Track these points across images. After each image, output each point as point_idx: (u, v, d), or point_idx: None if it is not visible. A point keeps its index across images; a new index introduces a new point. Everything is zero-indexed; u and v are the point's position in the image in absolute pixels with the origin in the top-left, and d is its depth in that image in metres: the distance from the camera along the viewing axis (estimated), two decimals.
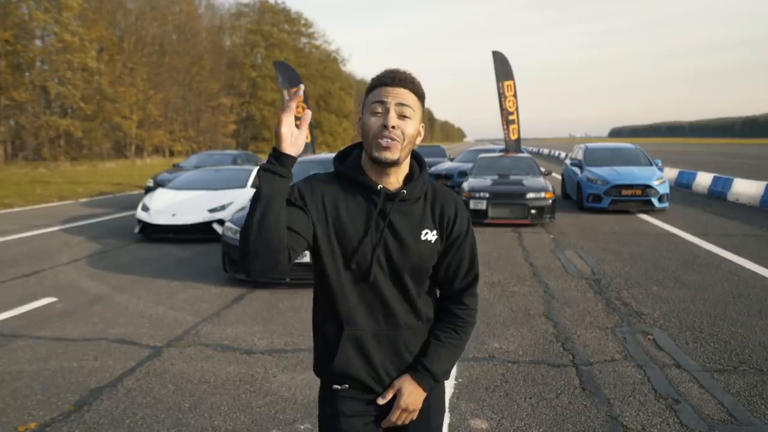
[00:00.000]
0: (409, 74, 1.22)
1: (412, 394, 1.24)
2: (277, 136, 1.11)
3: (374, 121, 1.19)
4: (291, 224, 1.16)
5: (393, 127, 1.17)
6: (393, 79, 1.20)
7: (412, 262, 1.24)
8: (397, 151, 1.18)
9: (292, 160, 1.13)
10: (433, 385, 1.27)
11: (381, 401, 1.25)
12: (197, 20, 38.92)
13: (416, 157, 1.30)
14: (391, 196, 1.23)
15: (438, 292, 1.36)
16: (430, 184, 1.29)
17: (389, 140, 1.17)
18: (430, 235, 1.25)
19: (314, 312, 1.33)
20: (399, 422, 1.27)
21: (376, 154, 1.18)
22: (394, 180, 1.24)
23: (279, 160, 1.12)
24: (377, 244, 1.21)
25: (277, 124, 1.11)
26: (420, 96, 1.22)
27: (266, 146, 42.77)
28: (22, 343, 3.75)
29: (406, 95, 1.19)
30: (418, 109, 1.22)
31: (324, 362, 1.29)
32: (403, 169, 1.25)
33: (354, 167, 1.25)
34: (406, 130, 1.19)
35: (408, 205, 1.24)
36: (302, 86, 1.23)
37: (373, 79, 1.24)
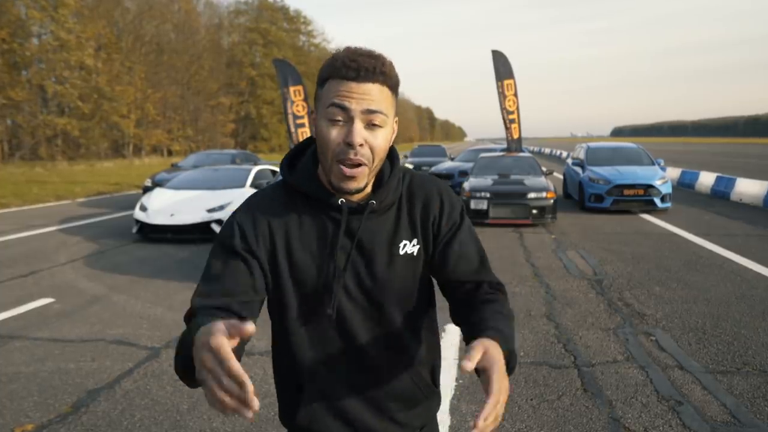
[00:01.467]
0: (379, 58, 0.89)
1: (496, 354, 0.80)
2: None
3: (334, 135, 0.88)
4: (239, 294, 0.90)
5: (360, 145, 0.88)
6: (358, 71, 0.86)
7: (388, 285, 0.97)
8: (364, 177, 0.91)
9: None
10: (506, 352, 0.84)
11: (469, 365, 0.75)
12: (196, 19, 38.87)
13: (387, 152, 0.98)
14: (356, 209, 0.94)
15: (450, 308, 1.06)
16: (406, 180, 1.00)
17: (353, 167, 0.89)
18: (410, 247, 0.97)
19: (273, 356, 1.06)
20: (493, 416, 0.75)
21: (336, 182, 0.91)
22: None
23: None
24: (349, 277, 0.95)
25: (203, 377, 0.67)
26: (393, 87, 0.91)
27: (265, 146, 42.76)
28: (19, 344, 3.73)
29: (376, 94, 0.88)
30: (392, 108, 0.91)
31: (286, 413, 1.04)
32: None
33: (307, 176, 0.96)
34: (375, 145, 0.89)
35: (378, 215, 0.96)
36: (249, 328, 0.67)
37: (329, 65, 0.90)
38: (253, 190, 7.75)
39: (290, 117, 11.53)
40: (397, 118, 0.96)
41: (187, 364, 0.75)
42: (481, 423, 0.72)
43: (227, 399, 0.63)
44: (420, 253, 0.99)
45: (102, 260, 6.30)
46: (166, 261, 6.24)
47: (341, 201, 0.94)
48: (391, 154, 0.99)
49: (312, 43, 51.98)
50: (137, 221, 7.45)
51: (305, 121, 11.47)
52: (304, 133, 11.44)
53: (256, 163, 11.37)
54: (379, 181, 0.97)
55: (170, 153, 34.23)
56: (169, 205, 7.51)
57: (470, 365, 0.75)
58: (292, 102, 11.46)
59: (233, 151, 14.90)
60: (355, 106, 0.87)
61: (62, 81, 25.25)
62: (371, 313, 0.97)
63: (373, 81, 0.88)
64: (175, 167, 12.33)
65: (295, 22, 48.74)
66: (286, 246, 0.95)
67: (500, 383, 0.76)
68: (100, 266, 6.00)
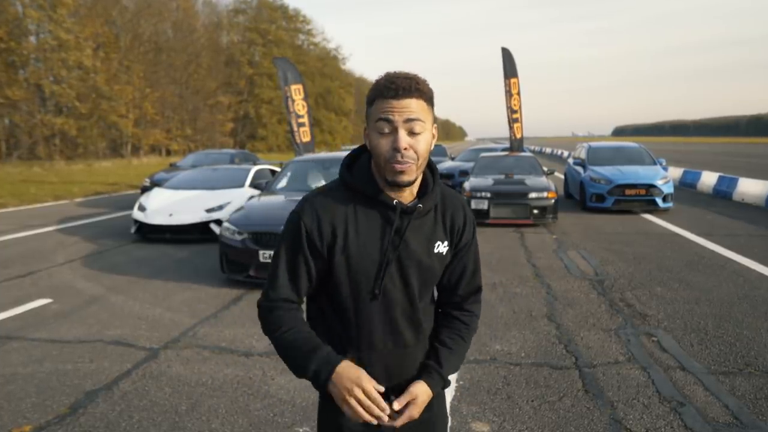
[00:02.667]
0: (414, 78, 1.11)
1: (423, 398, 1.20)
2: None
3: (384, 144, 1.10)
4: (303, 291, 1.19)
5: (405, 149, 1.09)
6: (396, 90, 1.08)
7: (422, 276, 1.19)
8: (414, 172, 1.12)
9: None
10: (441, 388, 1.24)
11: (397, 406, 1.16)
12: (194, 17, 38.78)
13: (428, 165, 1.22)
14: (406, 211, 1.16)
15: (437, 297, 1.32)
16: (440, 191, 1.23)
17: (403, 164, 1.10)
18: (442, 247, 1.20)
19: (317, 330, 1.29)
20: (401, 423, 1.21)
21: (391, 178, 1.12)
22: (409, 193, 1.17)
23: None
24: (393, 265, 1.16)
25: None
26: (429, 100, 1.13)
27: (263, 145, 42.70)
28: (17, 345, 3.71)
29: (414, 107, 1.09)
30: (429, 116, 1.13)
31: None
32: (418, 180, 1.18)
33: (366, 180, 1.17)
34: (419, 148, 1.11)
35: (420, 217, 1.18)
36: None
37: (374, 89, 1.13)
38: (252, 190, 7.73)
39: (292, 116, 11.48)
40: (435, 125, 1.18)
41: (301, 368, 1.16)
42: (396, 406, 1.15)
43: (368, 416, 1.11)
44: (448, 254, 1.22)
45: (100, 260, 6.28)
46: (165, 261, 6.22)
47: (396, 201, 1.15)
48: (432, 168, 1.22)
49: (311, 42, 51.95)
50: (136, 221, 7.42)
51: (306, 120, 11.43)
52: (305, 132, 11.39)
53: (255, 163, 11.32)
54: (424, 188, 1.19)
55: (169, 152, 34.15)
56: (167, 205, 7.48)
57: (398, 406, 1.15)
58: (293, 100, 11.40)
59: (232, 151, 14.86)
60: (397, 118, 1.09)
61: (60, 80, 25.16)
62: (406, 297, 1.19)
63: (410, 96, 1.09)
64: (173, 167, 12.29)
65: (294, 21, 48.68)
66: (344, 238, 1.15)
67: (403, 419, 1.17)
68: (99, 266, 5.98)
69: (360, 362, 1.18)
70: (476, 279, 1.28)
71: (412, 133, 1.10)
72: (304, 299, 1.22)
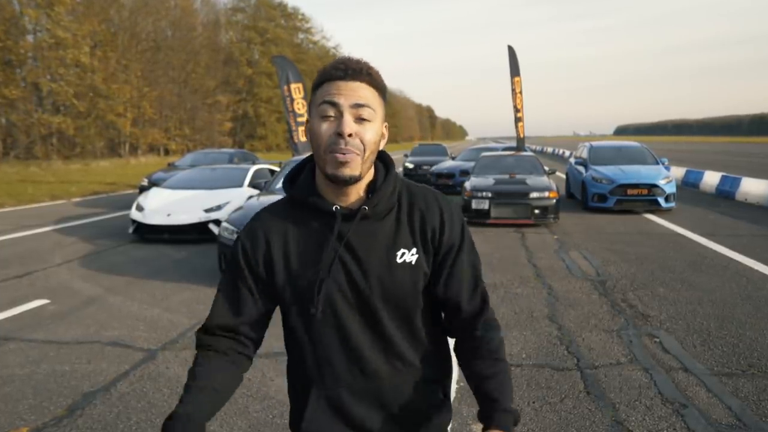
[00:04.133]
0: (365, 63, 0.98)
1: None
2: None
3: (325, 129, 0.94)
4: (246, 321, 1.03)
5: (350, 135, 0.93)
6: (345, 71, 0.95)
7: (385, 293, 0.99)
8: (358, 166, 0.95)
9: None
10: (513, 424, 0.98)
11: None
12: (192, 16, 38.68)
13: (381, 158, 1.04)
14: (349, 216, 0.98)
15: (444, 320, 1.10)
16: (404, 188, 1.04)
17: (346, 153, 0.93)
18: (409, 255, 0.99)
19: (287, 356, 1.13)
20: None
21: (331, 171, 0.95)
22: (355, 194, 1.00)
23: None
24: (341, 280, 0.99)
25: None
26: (380, 89, 0.98)
27: (262, 145, 42.65)
28: (14, 346, 3.68)
29: (363, 91, 0.95)
30: (379, 107, 0.98)
31: (295, 419, 1.09)
32: (366, 179, 1.00)
33: (305, 187, 1.02)
34: (366, 137, 0.94)
35: (376, 221, 0.99)
36: None
37: (320, 72, 0.99)
38: (251, 190, 7.70)
39: (291, 115, 11.44)
40: (386, 124, 1.02)
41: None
42: None
43: None
44: (420, 263, 1.00)
45: (98, 261, 6.24)
46: (163, 262, 6.19)
47: (335, 207, 0.99)
48: (386, 161, 1.05)
49: (310, 41, 51.93)
50: (134, 221, 7.38)
51: (305, 119, 11.37)
52: (305, 131, 11.36)
53: (254, 163, 11.29)
54: (373, 187, 1.01)
55: (167, 152, 34.07)
56: (165, 205, 7.45)
57: None
58: (293, 99, 11.37)
59: (231, 150, 14.81)
60: (343, 101, 0.94)
61: (57, 79, 25.07)
62: (367, 319, 1.00)
63: (360, 80, 0.95)
64: (172, 166, 12.24)
65: (292, 19, 48.64)
66: (283, 255, 1.02)
67: None
68: (96, 267, 5.95)
69: (339, 401, 1.03)
70: (478, 292, 1.05)
71: (359, 119, 0.94)
72: (256, 323, 1.05)
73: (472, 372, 1.03)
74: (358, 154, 0.94)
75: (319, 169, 0.99)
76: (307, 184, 1.03)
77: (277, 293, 1.03)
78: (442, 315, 1.09)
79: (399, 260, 0.99)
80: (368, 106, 0.95)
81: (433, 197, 1.04)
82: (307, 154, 1.11)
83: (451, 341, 1.11)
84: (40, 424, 2.66)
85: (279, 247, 1.01)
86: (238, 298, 1.03)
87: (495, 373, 1.01)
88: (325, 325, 1.00)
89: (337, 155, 0.93)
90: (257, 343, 1.08)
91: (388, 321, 1.00)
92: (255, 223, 1.06)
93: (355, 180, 0.97)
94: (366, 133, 0.95)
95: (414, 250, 1.00)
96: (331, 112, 0.94)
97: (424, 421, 1.06)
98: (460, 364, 1.07)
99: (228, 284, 1.05)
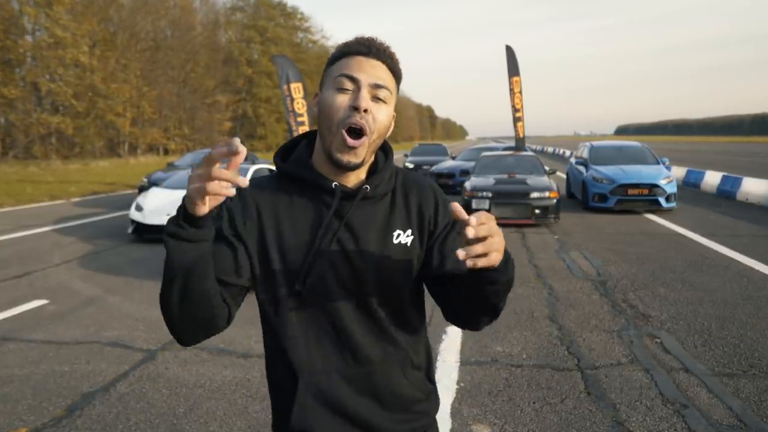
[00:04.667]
0: (388, 46, 0.95)
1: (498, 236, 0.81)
2: (189, 195, 0.80)
3: (340, 101, 0.90)
4: (221, 274, 0.90)
5: (365, 111, 0.89)
6: (369, 48, 0.92)
7: (380, 274, 0.96)
8: (363, 151, 0.92)
9: (206, 218, 0.83)
10: (507, 261, 0.85)
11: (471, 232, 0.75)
12: (192, 15, 38.62)
13: (382, 146, 1.02)
14: (349, 195, 0.95)
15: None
16: (400, 174, 1.03)
17: (358, 138, 0.90)
18: (404, 237, 0.97)
19: (265, 356, 1.04)
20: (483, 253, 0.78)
21: (336, 152, 0.91)
22: (354, 176, 0.97)
23: (190, 222, 0.83)
24: (331, 257, 0.94)
25: (192, 179, 0.78)
26: (398, 76, 0.96)
27: (262, 144, 42.61)
28: (13, 347, 3.67)
29: (383, 73, 0.92)
30: (394, 93, 0.95)
31: (280, 420, 1.01)
32: (367, 163, 0.98)
33: (301, 164, 0.97)
34: (379, 118, 0.92)
35: (372, 203, 0.97)
36: (236, 140, 0.76)
37: (341, 45, 0.95)
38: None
39: (291, 115, 11.42)
40: (394, 114, 0.99)
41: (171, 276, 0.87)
42: (473, 220, 0.75)
43: (219, 180, 0.75)
44: (414, 245, 0.98)
45: (97, 261, 6.23)
46: (162, 262, 6.16)
47: (335, 184, 0.95)
48: (386, 147, 1.03)
49: (310, 40, 51.86)
50: (133, 221, 7.37)
51: (305, 119, 11.38)
52: (305, 131, 11.34)
53: (253, 162, 11.27)
54: (373, 170, 0.99)
55: (166, 152, 34.03)
56: (165, 205, 7.43)
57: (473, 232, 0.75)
58: (293, 99, 11.35)
59: None
60: (364, 78, 0.91)
61: (56, 79, 25.03)
62: (359, 299, 0.96)
63: (383, 60, 0.93)
64: (171, 166, 12.22)
65: (292, 18, 48.57)
66: (276, 228, 0.95)
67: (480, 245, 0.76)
68: (95, 267, 5.93)
69: (329, 389, 0.96)
70: None
71: (376, 98, 0.92)
72: (235, 290, 0.94)
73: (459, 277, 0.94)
74: (367, 135, 0.91)
75: (323, 147, 0.94)
76: (304, 161, 0.98)
77: (265, 268, 0.95)
78: (439, 297, 1.02)
79: (395, 241, 0.97)
80: (386, 88, 0.92)
81: (428, 184, 1.04)
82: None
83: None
84: (39, 424, 2.65)
85: (271, 218, 0.95)
86: (216, 259, 0.90)
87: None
88: (315, 304, 0.95)
89: (348, 139, 0.90)
90: (230, 315, 0.95)
91: (380, 302, 0.97)
92: (246, 191, 0.97)
93: (357, 167, 0.94)
94: (379, 113, 0.92)
95: (409, 232, 0.98)
96: (349, 86, 0.91)
97: (414, 407, 1.02)
98: (452, 302, 0.98)
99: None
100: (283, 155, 1.02)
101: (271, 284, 0.96)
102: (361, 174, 0.98)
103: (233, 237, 0.94)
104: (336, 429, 0.96)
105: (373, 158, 1.00)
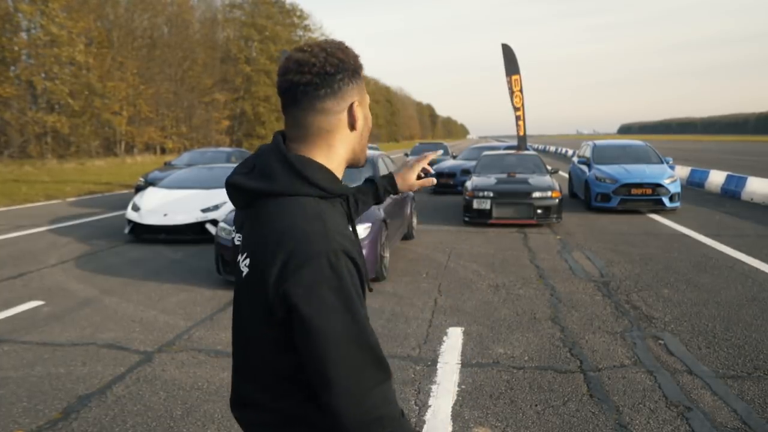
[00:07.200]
0: None
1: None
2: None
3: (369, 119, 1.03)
4: None
5: None
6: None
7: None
8: None
9: None
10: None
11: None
12: (189, 12, 38.47)
13: None
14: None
15: None
16: None
17: None
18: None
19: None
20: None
21: (362, 156, 1.03)
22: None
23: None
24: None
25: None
26: None
27: (260, 143, 42.39)
28: (8, 348, 3.64)
29: None
30: None
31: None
32: None
33: (336, 179, 0.96)
34: None
35: None
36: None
37: (359, 61, 0.97)
38: None
39: None
40: None
41: None
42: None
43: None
44: None
45: (93, 262, 6.18)
46: (160, 262, 6.13)
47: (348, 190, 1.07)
48: None
49: (310, 38, 51.76)
50: (129, 221, 7.32)
51: None
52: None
53: None
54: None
55: (163, 151, 33.89)
56: (162, 205, 7.38)
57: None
58: None
59: (228, 149, 14.72)
60: None
61: (52, 77, 24.88)
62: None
63: None
64: (168, 166, 12.15)
65: (291, 15, 48.44)
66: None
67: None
68: (91, 268, 5.88)
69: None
70: None
71: None
72: None
73: None
74: None
75: (353, 153, 1.00)
76: (334, 176, 0.95)
77: None
78: None
79: None
80: None
81: None
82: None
83: None
84: (35, 427, 2.63)
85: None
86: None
87: None
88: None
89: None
90: None
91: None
92: (340, 234, 0.87)
93: None
94: None
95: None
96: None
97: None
98: None
99: (365, 314, 0.85)
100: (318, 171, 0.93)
101: None
102: None
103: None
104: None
105: None
